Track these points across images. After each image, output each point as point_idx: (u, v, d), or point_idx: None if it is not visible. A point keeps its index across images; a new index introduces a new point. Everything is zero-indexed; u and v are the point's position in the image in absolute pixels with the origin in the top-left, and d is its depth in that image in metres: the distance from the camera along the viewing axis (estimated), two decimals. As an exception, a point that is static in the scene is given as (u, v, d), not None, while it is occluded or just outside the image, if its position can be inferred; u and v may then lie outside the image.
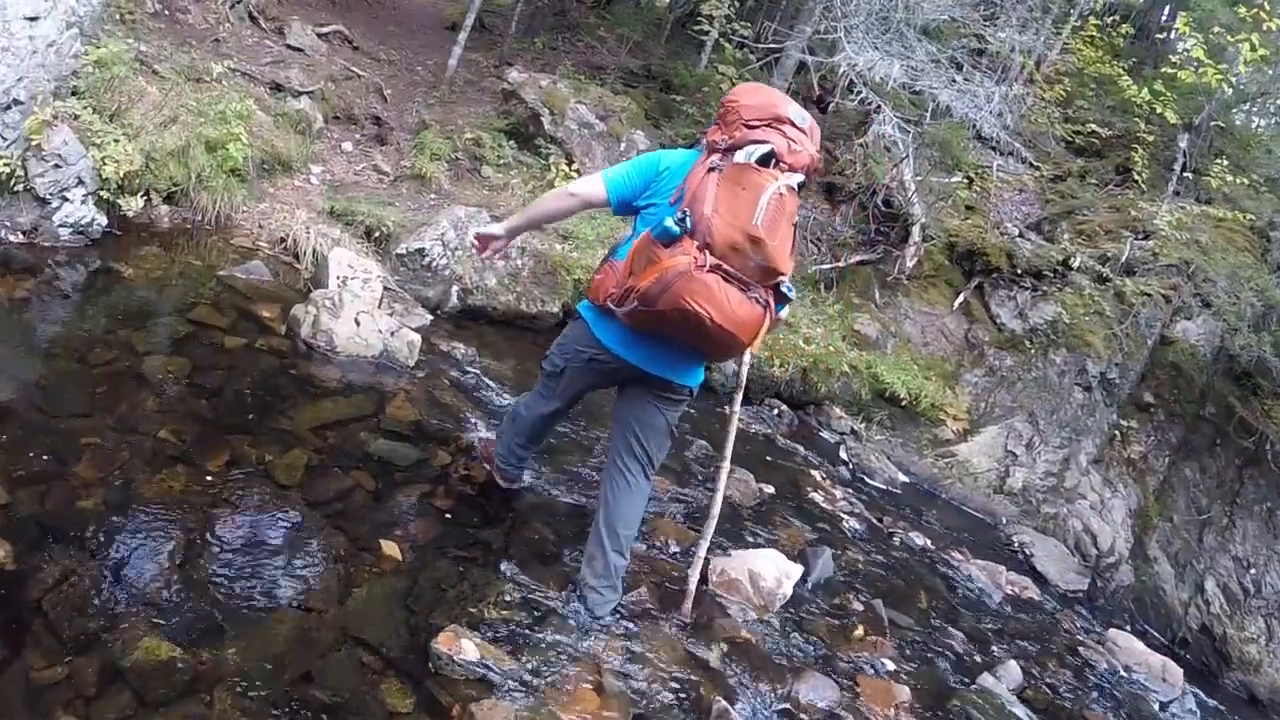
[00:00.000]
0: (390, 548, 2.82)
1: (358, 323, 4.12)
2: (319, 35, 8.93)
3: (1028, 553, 6.10)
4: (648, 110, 8.98)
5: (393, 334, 4.24)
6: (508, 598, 2.74)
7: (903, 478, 6.47)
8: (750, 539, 4.05)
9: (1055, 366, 7.21)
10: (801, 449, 5.99)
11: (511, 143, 7.37)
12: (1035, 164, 9.73)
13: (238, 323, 4.11)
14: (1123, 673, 4.56)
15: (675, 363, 2.73)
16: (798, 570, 3.68)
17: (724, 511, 4.21)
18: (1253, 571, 6.21)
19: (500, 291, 5.59)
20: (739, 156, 2.52)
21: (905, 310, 7.98)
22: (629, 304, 2.49)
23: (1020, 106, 9.25)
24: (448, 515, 3.16)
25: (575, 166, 7.17)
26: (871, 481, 6.19)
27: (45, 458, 2.78)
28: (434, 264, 5.40)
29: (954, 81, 7.46)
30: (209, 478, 2.91)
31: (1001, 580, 5.14)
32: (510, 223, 3.09)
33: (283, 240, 5.27)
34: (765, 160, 2.52)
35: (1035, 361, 7.28)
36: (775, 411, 6.48)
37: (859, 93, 7.07)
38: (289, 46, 8.40)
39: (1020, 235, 8.60)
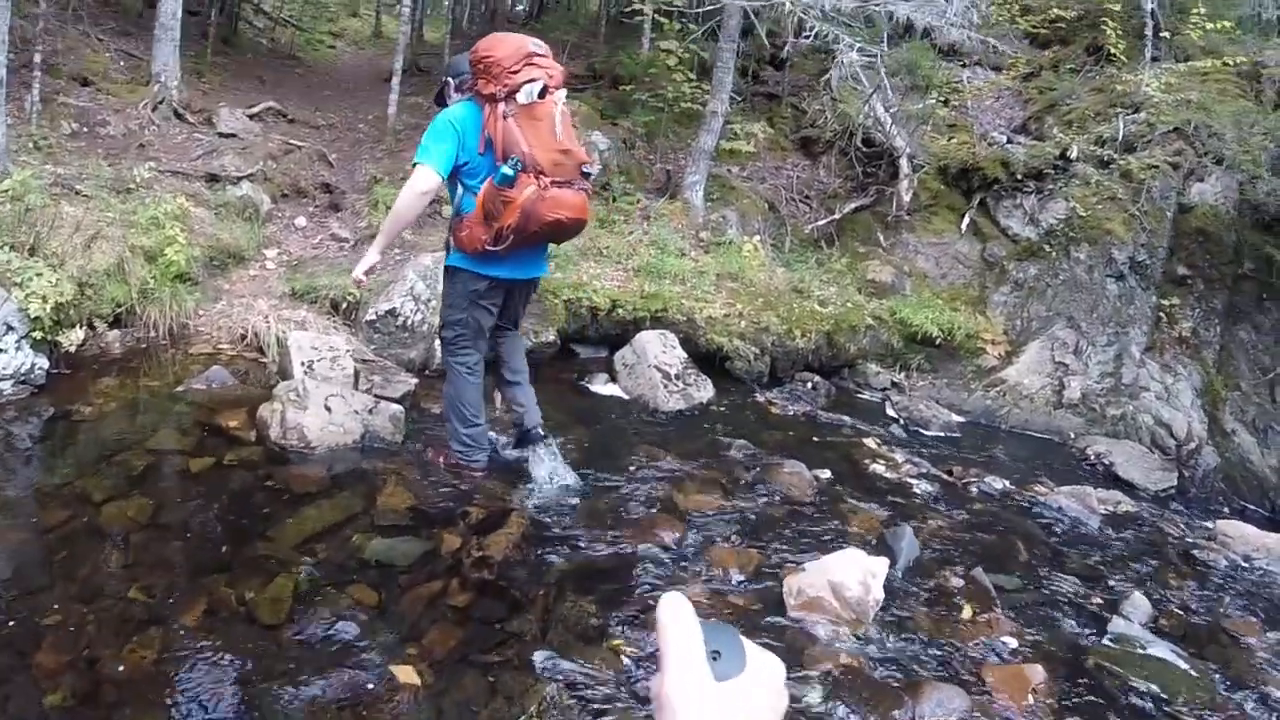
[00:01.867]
0: (405, 673, 2.34)
1: (329, 409, 3.65)
2: (250, 116, 8.56)
3: (1107, 462, 5.72)
4: (601, 110, 8.55)
5: (371, 411, 3.78)
6: (552, 699, 2.25)
7: (957, 419, 6.05)
8: (821, 541, 3.57)
9: (1081, 263, 6.80)
10: (846, 418, 5.55)
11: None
12: (1007, 62, 9.23)
13: (202, 441, 3.69)
14: (1244, 564, 4.29)
15: (536, 261, 3.51)
16: (883, 564, 3.17)
17: (784, 515, 3.77)
18: (1333, 423, 5.77)
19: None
20: (521, 98, 3.10)
21: (914, 246, 7.55)
22: (505, 240, 3.13)
23: (981, 5, 8.72)
24: (467, 614, 2.69)
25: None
26: (927, 432, 5.76)
27: (4, 651, 2.37)
28: (408, 322, 4.95)
29: (908, -7, 6.96)
30: (185, 636, 2.48)
31: (1093, 502, 4.80)
32: (379, 245, 3.48)
33: (243, 337, 4.84)
34: (542, 93, 3.12)
35: (1059, 263, 6.92)
36: (809, 385, 6.01)
37: (813, 29, 6.56)
38: (220, 134, 8.02)
39: (1009, 141, 8.23)
